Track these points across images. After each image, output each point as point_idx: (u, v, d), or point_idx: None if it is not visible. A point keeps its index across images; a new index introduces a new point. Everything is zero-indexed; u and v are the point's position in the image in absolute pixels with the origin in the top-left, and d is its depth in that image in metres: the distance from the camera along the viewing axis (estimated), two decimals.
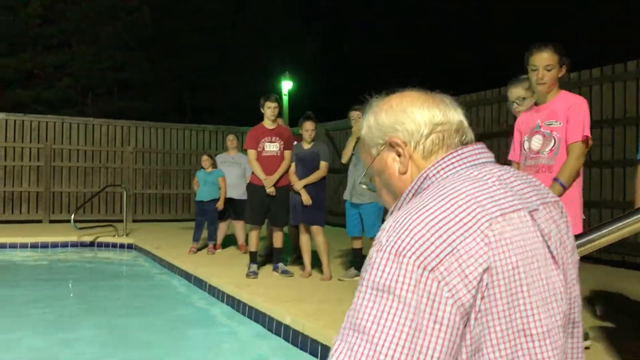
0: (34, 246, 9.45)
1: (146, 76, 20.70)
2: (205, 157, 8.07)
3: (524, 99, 3.96)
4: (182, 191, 14.31)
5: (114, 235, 9.90)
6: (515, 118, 3.94)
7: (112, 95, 19.83)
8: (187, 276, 6.83)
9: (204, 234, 8.21)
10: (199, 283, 6.39)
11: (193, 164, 14.27)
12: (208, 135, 14.60)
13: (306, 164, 6.22)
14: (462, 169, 1.07)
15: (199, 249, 8.18)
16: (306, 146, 6.29)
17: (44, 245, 9.51)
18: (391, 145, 1.14)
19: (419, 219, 0.93)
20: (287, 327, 4.38)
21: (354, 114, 6.11)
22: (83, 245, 9.70)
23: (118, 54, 20.32)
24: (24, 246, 9.41)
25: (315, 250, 6.26)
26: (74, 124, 13.53)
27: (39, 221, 12.69)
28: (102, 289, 6.65)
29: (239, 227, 8.36)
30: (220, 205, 8.06)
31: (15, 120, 12.94)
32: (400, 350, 0.86)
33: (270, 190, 6.16)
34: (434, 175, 1.07)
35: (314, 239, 6.18)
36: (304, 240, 6.30)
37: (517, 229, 0.96)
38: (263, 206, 6.27)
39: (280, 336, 4.44)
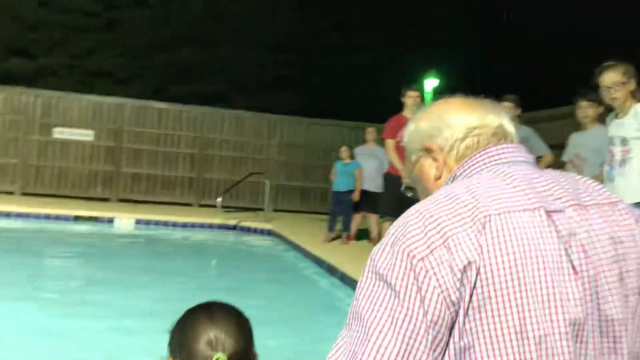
0: (185, 226, 10.17)
1: (294, 72, 21.50)
2: (344, 148, 8.17)
3: (623, 83, 3.69)
4: (321, 185, 14.63)
5: (255, 221, 10.37)
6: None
7: (262, 91, 20.85)
8: (319, 262, 6.95)
9: (339, 225, 8.31)
10: (331, 270, 6.46)
11: (333, 159, 14.49)
12: (348, 131, 14.78)
13: None
14: (487, 167, 1.06)
15: (333, 239, 8.29)
16: None
17: (194, 226, 10.19)
18: (427, 151, 1.16)
19: (419, 212, 0.97)
20: None
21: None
22: (227, 227, 10.25)
23: (269, 51, 21.34)
24: (178, 225, 10.16)
25: None
26: (225, 115, 14.38)
27: (190, 204, 13.64)
28: (242, 269, 7.00)
29: (372, 220, 8.36)
30: (355, 196, 8.11)
31: (175, 111, 14.04)
32: (388, 339, 0.88)
33: (407, 181, 6.06)
34: (459, 174, 1.09)
35: None
36: None
37: (521, 227, 0.93)
38: (399, 198, 6.18)
39: None
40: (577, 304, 0.92)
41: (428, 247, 0.91)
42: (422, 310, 0.88)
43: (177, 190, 13.89)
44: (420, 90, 6.42)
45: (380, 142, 8.58)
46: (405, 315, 0.88)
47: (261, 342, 1.32)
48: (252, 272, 7.05)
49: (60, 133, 13.23)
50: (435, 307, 0.88)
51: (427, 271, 0.89)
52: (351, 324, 0.94)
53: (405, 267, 0.91)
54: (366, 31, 23.22)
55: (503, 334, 0.89)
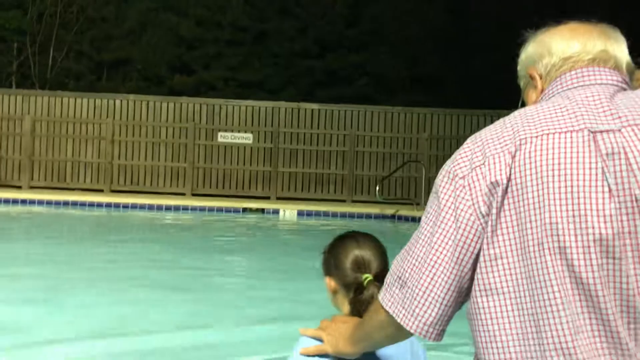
0: (344, 216, 10.39)
1: (441, 71, 21.21)
2: None
3: None
4: None
5: (414, 209, 10.30)
6: None
7: (405, 91, 20.84)
8: None
9: None
10: None
11: None
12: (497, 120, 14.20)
13: None
14: (559, 92, 1.11)
15: None
16: None
17: (352, 216, 10.38)
18: (531, 77, 1.19)
19: (474, 137, 1.10)
20: None
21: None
22: (385, 217, 10.29)
23: (412, 50, 21.29)
24: (335, 215, 10.40)
25: None
26: (375, 112, 14.51)
27: (343, 200, 13.89)
28: None
29: None
30: None
31: (325, 110, 14.44)
32: (423, 238, 1.09)
33: None
34: (540, 100, 1.15)
35: None
36: None
37: (557, 147, 1.00)
38: None
39: None
40: (607, 220, 0.95)
41: (470, 166, 1.05)
42: (455, 221, 1.04)
43: (331, 187, 14.24)
44: None
45: None
46: (436, 222, 1.07)
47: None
48: None
49: (223, 137, 14.16)
50: (464, 218, 1.03)
51: (463, 187, 1.04)
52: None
53: (449, 185, 1.07)
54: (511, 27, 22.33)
55: (527, 246, 0.99)
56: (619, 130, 0.99)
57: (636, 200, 0.96)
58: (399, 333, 1.15)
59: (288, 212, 10.25)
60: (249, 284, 4.98)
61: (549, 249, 0.97)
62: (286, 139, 14.29)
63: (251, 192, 14.08)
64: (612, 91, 1.08)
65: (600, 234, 0.96)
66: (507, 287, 1.01)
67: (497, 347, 1.02)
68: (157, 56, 20.98)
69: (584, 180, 0.98)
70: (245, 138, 14.20)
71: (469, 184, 1.04)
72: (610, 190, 0.97)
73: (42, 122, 14.12)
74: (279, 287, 4.77)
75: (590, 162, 0.98)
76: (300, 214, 10.31)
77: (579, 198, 0.97)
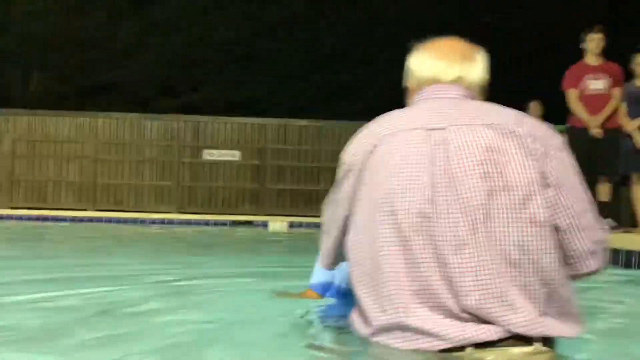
0: None
1: None
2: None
3: None
4: None
5: None
6: None
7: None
8: None
9: None
10: None
11: None
12: None
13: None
14: (423, 100, 1.55)
15: None
16: (639, 83, 5.45)
17: None
18: (406, 89, 1.65)
19: (358, 132, 1.59)
20: None
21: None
22: None
23: (399, 69, 21.35)
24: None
25: None
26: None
27: None
28: None
29: None
30: None
31: (314, 127, 14.24)
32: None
33: (597, 131, 5.45)
34: (412, 103, 1.61)
35: None
36: (638, 192, 5.41)
37: (401, 140, 1.45)
38: (587, 152, 5.56)
39: None
40: (428, 190, 1.38)
41: (352, 154, 1.53)
42: (341, 189, 1.55)
43: (320, 204, 13.87)
44: (603, 32, 5.77)
45: (547, 118, 7.95)
46: (339, 192, 1.58)
47: None
48: None
49: (209, 155, 13.85)
50: (345, 189, 1.53)
51: (345, 166, 1.54)
52: None
53: (343, 167, 1.56)
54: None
55: (368, 209, 1.46)
56: (445, 129, 1.43)
57: (451, 176, 1.38)
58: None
59: (278, 224, 9.89)
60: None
61: (381, 211, 1.42)
62: (274, 155, 14.02)
63: (239, 210, 13.71)
64: (455, 102, 1.51)
65: (426, 198, 1.39)
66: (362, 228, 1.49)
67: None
68: (143, 79, 20.78)
69: (417, 162, 1.41)
70: (232, 155, 13.90)
71: (349, 166, 1.53)
72: (434, 167, 1.40)
73: (22, 142, 13.74)
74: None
75: (423, 149, 1.42)
76: (290, 225, 9.95)
77: (411, 173, 1.41)
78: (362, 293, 1.45)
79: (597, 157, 5.55)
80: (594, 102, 5.53)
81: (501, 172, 1.35)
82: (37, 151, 13.77)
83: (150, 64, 20.88)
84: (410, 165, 1.40)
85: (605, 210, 5.70)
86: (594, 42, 5.60)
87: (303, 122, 14.39)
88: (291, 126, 14.28)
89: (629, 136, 5.35)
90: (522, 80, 17.00)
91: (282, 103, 20.86)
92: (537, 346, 1.33)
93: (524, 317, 1.31)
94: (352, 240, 1.50)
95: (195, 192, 13.91)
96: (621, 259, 4.34)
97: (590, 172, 5.79)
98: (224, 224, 9.97)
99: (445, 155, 1.38)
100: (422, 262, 1.35)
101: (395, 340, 1.36)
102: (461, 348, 1.32)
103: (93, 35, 20.78)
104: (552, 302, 1.37)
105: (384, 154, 1.44)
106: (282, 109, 20.45)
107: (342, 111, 20.80)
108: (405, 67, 1.61)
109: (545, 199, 1.35)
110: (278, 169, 13.97)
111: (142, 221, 10.17)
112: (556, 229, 1.37)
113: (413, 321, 1.34)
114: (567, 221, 1.38)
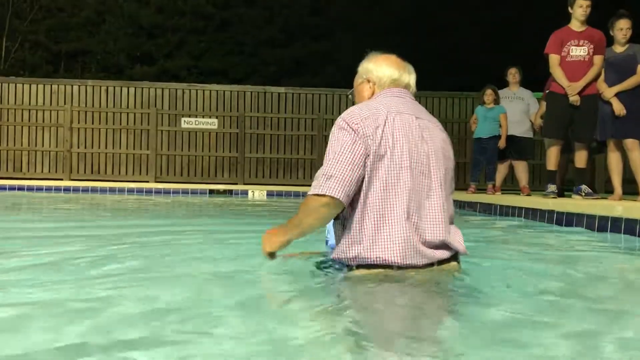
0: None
1: (406, 58, 21.14)
2: (489, 92, 7.62)
3: None
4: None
5: None
6: None
7: None
8: (472, 205, 6.51)
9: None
10: (487, 207, 6.00)
11: (455, 133, 14.00)
12: (471, 102, 14.11)
13: (619, 70, 5.42)
14: (391, 96, 2.28)
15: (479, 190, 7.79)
16: (619, 49, 5.48)
17: None
18: (367, 81, 2.38)
19: (358, 106, 2.24)
20: None
21: None
22: None
23: (377, 39, 21.15)
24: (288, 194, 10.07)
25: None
26: (342, 96, 14.22)
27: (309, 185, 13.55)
28: None
29: (520, 168, 7.78)
30: (501, 143, 7.57)
31: (293, 94, 14.11)
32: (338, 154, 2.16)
33: (574, 98, 5.50)
34: (378, 96, 2.32)
35: (629, 154, 5.34)
36: (614, 159, 5.50)
37: (404, 120, 2.20)
38: (565, 118, 5.62)
39: None
40: (426, 155, 2.20)
41: (360, 121, 2.14)
42: (352, 152, 2.12)
43: (300, 172, 13.91)
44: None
45: (525, 84, 8.00)
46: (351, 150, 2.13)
47: None
48: None
49: (187, 123, 13.68)
50: (355, 150, 2.11)
51: (356, 132, 2.13)
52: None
53: (348, 132, 2.15)
54: (479, 10, 22.38)
55: (390, 165, 2.13)
56: (420, 117, 2.26)
57: (434, 148, 2.23)
58: (328, 209, 2.12)
59: (257, 192, 9.86)
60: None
61: (400, 167, 2.13)
62: (252, 123, 13.91)
63: (217, 179, 13.63)
64: (413, 102, 2.33)
65: (424, 158, 2.19)
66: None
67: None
68: (116, 46, 20.30)
69: (417, 136, 2.20)
70: (210, 123, 13.75)
71: (360, 130, 2.13)
72: (425, 141, 2.21)
73: None
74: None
75: (416, 129, 2.21)
76: (270, 194, 9.93)
77: (416, 142, 2.19)
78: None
79: (574, 122, 5.61)
80: (575, 69, 5.54)
81: (448, 152, 2.31)
82: (10, 119, 13.45)
83: (121, 31, 20.40)
84: (414, 138, 2.19)
85: (581, 176, 5.80)
86: (581, 9, 5.56)
87: (282, 90, 14.25)
88: (270, 93, 14.13)
89: (608, 102, 5.40)
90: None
91: (260, 70, 20.60)
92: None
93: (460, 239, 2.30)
94: (380, 185, 2.12)
95: (172, 161, 13.78)
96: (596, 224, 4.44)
97: (569, 138, 5.88)
98: (203, 192, 9.90)
99: (429, 135, 2.24)
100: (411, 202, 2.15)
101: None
102: (431, 264, 2.15)
103: (57, 2, 20.19)
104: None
105: (396, 126, 2.16)
106: (260, 77, 20.24)
107: (321, 79, 20.67)
108: (364, 68, 2.38)
109: (452, 167, 2.34)
110: (257, 137, 13.87)
111: (120, 190, 10.05)
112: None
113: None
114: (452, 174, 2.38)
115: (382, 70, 2.31)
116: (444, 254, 2.15)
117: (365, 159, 2.07)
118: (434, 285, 2.02)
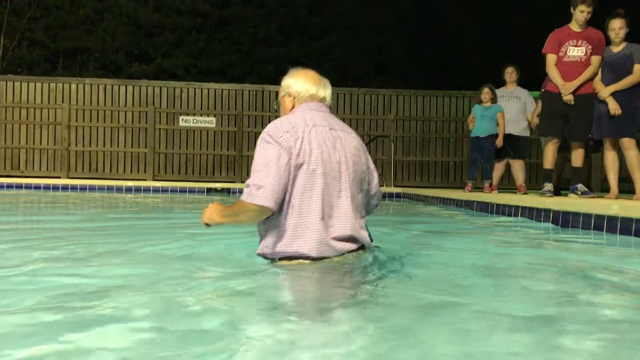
0: None
1: (403, 57, 21.15)
2: (486, 90, 7.64)
3: None
4: (441, 159, 14.12)
5: (382, 185, 10.09)
6: None
7: (370, 78, 20.68)
8: (469, 204, 6.53)
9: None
10: (484, 206, 6.03)
11: (452, 132, 14.03)
12: (468, 101, 14.15)
13: (615, 69, 5.44)
14: (308, 110, 2.56)
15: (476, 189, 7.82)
16: (615, 49, 5.50)
17: None
18: (289, 95, 2.66)
19: (280, 120, 2.50)
20: None
21: None
22: None
23: (375, 37, 21.15)
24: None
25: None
26: (340, 94, 14.25)
27: None
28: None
29: (517, 167, 7.81)
30: (499, 142, 7.60)
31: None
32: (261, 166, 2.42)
33: (568, 97, 5.53)
34: (297, 109, 2.60)
35: (625, 153, 5.38)
36: (610, 157, 5.53)
37: (320, 132, 2.48)
38: (560, 117, 5.65)
39: None
40: (337, 162, 2.50)
41: (281, 135, 2.41)
42: (278, 164, 2.40)
43: None
44: (594, 6, 5.63)
45: (522, 83, 8.03)
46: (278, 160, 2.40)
47: None
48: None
49: (185, 121, 13.70)
50: (280, 161, 2.38)
51: (280, 145, 2.40)
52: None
53: (272, 145, 2.41)
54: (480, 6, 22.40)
55: (307, 172, 2.42)
56: (333, 128, 2.55)
57: (345, 158, 2.53)
58: (259, 214, 2.40)
59: None
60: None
61: (315, 173, 2.42)
62: (250, 122, 13.93)
63: (215, 178, 13.66)
64: (329, 114, 2.62)
65: (336, 165, 2.50)
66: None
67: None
68: (114, 44, 20.28)
69: (331, 146, 2.49)
70: (208, 122, 13.77)
71: (282, 143, 2.39)
72: (335, 150, 2.51)
73: None
74: None
75: (330, 139, 2.50)
76: None
77: (330, 151, 2.48)
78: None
79: (570, 121, 5.64)
80: (571, 69, 5.57)
81: (360, 158, 2.62)
82: (8, 117, 13.46)
83: (119, 29, 20.37)
84: (327, 148, 2.48)
85: (577, 175, 5.83)
86: (583, 14, 5.56)
87: (279, 88, 14.25)
88: (267, 92, 14.15)
89: (604, 102, 5.43)
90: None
91: (258, 69, 20.60)
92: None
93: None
94: (299, 190, 2.39)
95: (170, 160, 13.80)
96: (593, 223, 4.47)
97: (566, 137, 5.91)
98: (201, 191, 9.92)
99: (340, 145, 2.54)
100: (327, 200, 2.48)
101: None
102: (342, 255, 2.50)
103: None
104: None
105: (312, 137, 2.44)
106: (257, 75, 20.23)
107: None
108: (286, 83, 2.66)
109: (368, 171, 2.71)
110: (255, 136, 13.88)
111: (118, 189, 10.06)
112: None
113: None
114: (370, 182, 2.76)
115: (300, 85, 2.60)
116: (352, 246, 2.52)
117: (288, 168, 2.36)
118: (340, 270, 2.42)
